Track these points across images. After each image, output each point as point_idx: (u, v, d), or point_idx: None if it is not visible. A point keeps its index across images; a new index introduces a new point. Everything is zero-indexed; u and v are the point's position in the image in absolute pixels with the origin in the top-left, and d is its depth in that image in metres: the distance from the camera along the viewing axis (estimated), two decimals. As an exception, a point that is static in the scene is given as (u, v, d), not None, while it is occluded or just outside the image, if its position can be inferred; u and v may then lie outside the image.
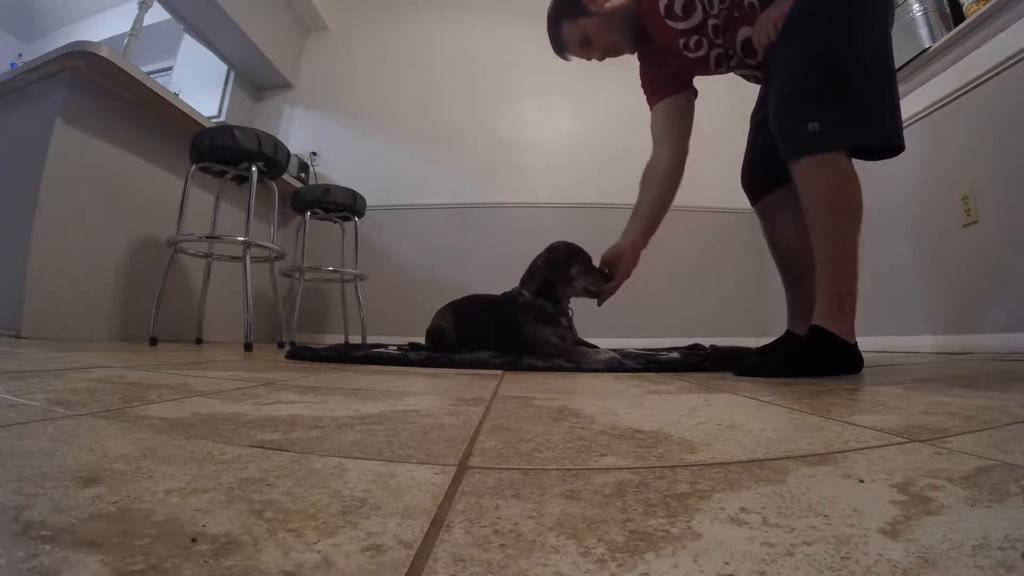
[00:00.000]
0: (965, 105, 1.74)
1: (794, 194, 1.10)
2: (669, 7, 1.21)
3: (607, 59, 1.40)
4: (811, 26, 1.05)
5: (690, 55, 1.27)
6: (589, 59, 1.39)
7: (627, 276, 1.39)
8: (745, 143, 1.37)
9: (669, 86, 1.38)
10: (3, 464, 0.33)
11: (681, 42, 1.25)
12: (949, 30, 1.77)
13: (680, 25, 1.22)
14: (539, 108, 3.50)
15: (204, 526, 0.24)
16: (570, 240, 1.56)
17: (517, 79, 3.55)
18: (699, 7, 1.19)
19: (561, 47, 1.39)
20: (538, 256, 1.55)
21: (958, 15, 1.79)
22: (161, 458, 0.35)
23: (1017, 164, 1.55)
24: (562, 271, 1.48)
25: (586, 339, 1.56)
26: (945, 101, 1.80)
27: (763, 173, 1.29)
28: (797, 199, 1.08)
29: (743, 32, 1.20)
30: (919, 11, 1.85)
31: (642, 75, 1.43)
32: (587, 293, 1.49)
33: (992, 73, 1.63)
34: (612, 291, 1.42)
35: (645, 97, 1.44)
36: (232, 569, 0.20)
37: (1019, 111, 1.55)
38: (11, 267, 1.72)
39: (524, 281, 1.55)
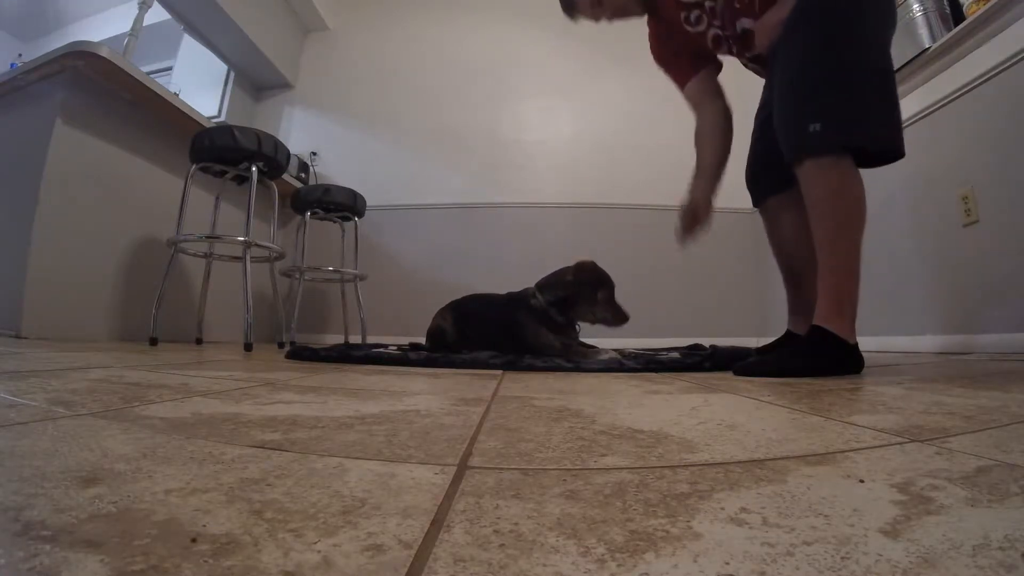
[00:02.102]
0: (965, 105, 1.74)
1: (797, 195, 1.10)
2: None
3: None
4: (812, 27, 1.05)
5: (690, 29, 1.27)
6: (598, 20, 1.36)
7: (708, 219, 1.32)
8: (748, 142, 1.37)
9: (693, 63, 1.36)
10: (3, 464, 0.33)
11: (682, 15, 1.26)
12: (949, 30, 1.77)
13: None
14: (539, 108, 3.50)
15: (204, 526, 0.24)
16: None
17: (517, 79, 3.55)
18: None
19: (571, 6, 1.37)
20: (567, 269, 1.52)
21: (958, 15, 1.79)
22: (161, 458, 0.35)
23: (1017, 164, 1.55)
24: (589, 293, 1.46)
25: (587, 339, 1.56)
26: (945, 101, 1.80)
27: (767, 174, 1.29)
28: (800, 200, 1.09)
29: (742, 23, 1.20)
30: (919, 11, 1.85)
31: (651, 41, 1.41)
32: (602, 323, 1.48)
33: (992, 73, 1.63)
34: (696, 226, 1.33)
35: (665, 73, 1.41)
36: (232, 569, 0.20)
37: (1019, 111, 1.55)
38: (11, 267, 1.72)
39: (544, 286, 1.52)
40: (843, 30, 1.03)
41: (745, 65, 1.34)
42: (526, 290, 1.55)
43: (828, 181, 1.02)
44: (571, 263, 1.60)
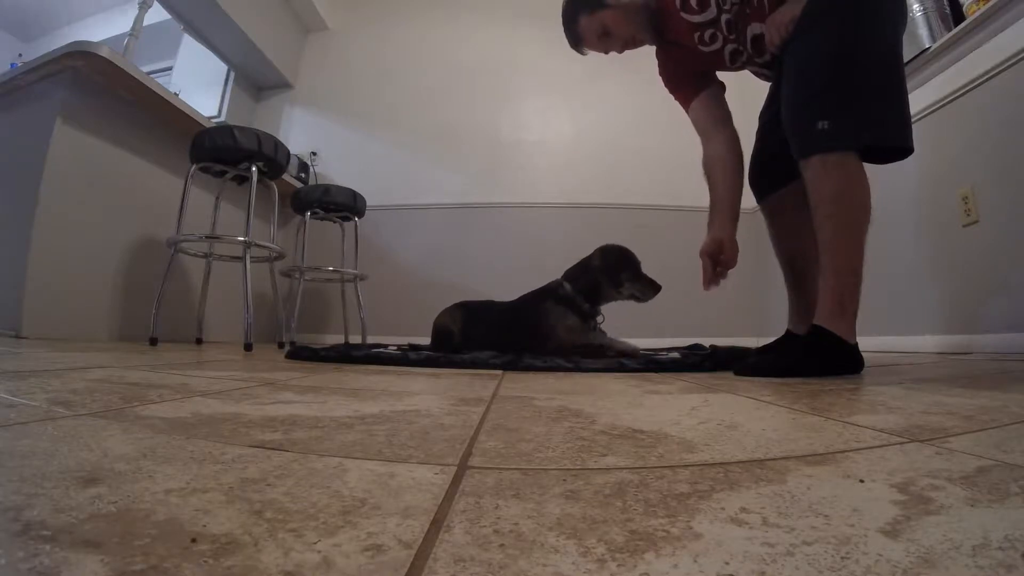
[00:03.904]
0: (965, 105, 1.74)
1: (799, 193, 1.10)
2: (685, 0, 1.21)
3: (610, 55, 1.37)
4: (822, 25, 1.05)
5: (704, 49, 1.26)
6: (607, 52, 1.35)
7: (736, 259, 1.33)
8: (749, 143, 1.37)
9: (696, 82, 1.35)
10: (3, 464, 0.33)
11: (696, 36, 1.25)
12: (949, 30, 1.77)
13: (695, 18, 1.22)
14: (539, 108, 3.50)
15: (204, 526, 0.24)
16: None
17: (518, 79, 3.55)
18: (713, 1, 1.19)
19: (577, 41, 1.36)
20: (591, 256, 1.58)
21: (958, 15, 1.79)
22: (161, 458, 0.35)
23: (1017, 164, 1.55)
24: (615, 275, 1.51)
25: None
26: (945, 101, 1.80)
27: (770, 171, 1.29)
28: (802, 198, 1.08)
29: (753, 28, 1.20)
30: (919, 11, 1.85)
31: (661, 72, 1.41)
32: (633, 299, 1.53)
33: (992, 73, 1.63)
34: (724, 274, 1.33)
35: (674, 97, 1.41)
36: (232, 569, 0.20)
37: (1019, 111, 1.55)
38: (11, 267, 1.72)
39: (571, 277, 1.57)
40: (857, 28, 1.02)
41: (757, 74, 1.34)
42: (554, 282, 1.59)
43: (834, 180, 1.01)
44: (571, 263, 1.61)
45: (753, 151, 1.36)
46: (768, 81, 1.32)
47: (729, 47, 1.25)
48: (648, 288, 1.53)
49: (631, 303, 1.58)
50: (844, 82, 1.01)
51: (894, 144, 1.05)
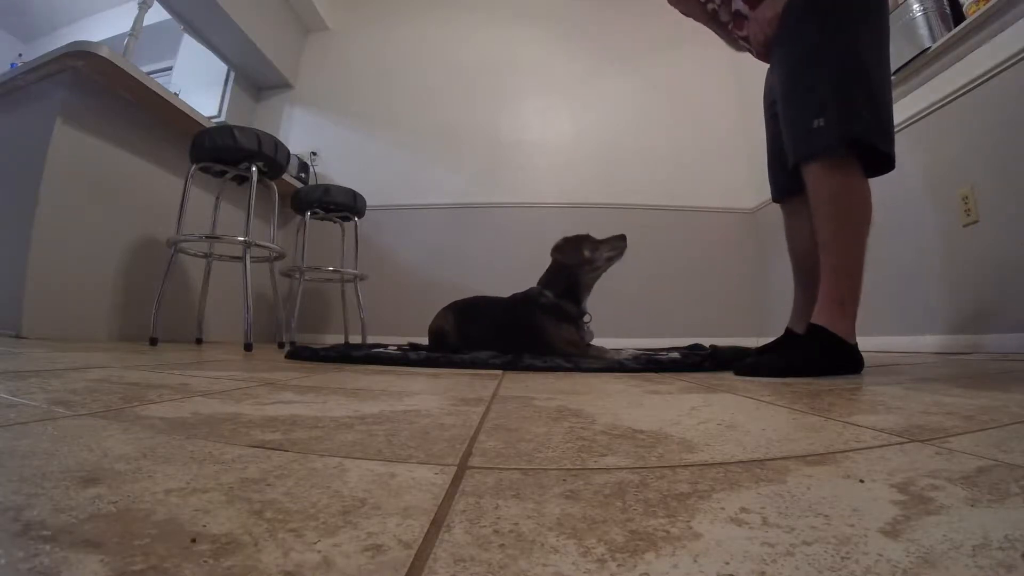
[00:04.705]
0: (965, 105, 1.74)
1: None
2: None
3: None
4: (806, 26, 1.06)
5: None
6: None
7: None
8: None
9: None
10: (3, 464, 0.33)
11: None
12: (949, 30, 1.77)
13: None
14: (539, 108, 3.50)
15: (204, 526, 0.24)
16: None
17: (518, 79, 3.55)
18: None
19: None
20: (553, 260, 1.59)
21: (958, 15, 1.79)
22: (161, 458, 0.35)
23: (1017, 164, 1.55)
24: (579, 255, 1.53)
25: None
26: (945, 101, 1.80)
27: (784, 170, 1.30)
28: None
29: (737, 4, 1.23)
30: (919, 11, 1.85)
31: None
32: (611, 262, 1.55)
33: (992, 73, 1.63)
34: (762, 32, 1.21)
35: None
36: (232, 569, 0.20)
37: (1019, 111, 1.55)
38: (11, 267, 1.72)
39: (547, 282, 1.57)
40: (838, 26, 1.04)
41: (736, 38, 1.35)
42: (531, 290, 1.57)
43: (834, 182, 1.02)
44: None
45: (767, 147, 1.36)
46: (751, 54, 1.33)
47: (711, 6, 1.31)
48: (615, 242, 1.54)
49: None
50: (832, 79, 1.03)
51: (883, 142, 1.05)
